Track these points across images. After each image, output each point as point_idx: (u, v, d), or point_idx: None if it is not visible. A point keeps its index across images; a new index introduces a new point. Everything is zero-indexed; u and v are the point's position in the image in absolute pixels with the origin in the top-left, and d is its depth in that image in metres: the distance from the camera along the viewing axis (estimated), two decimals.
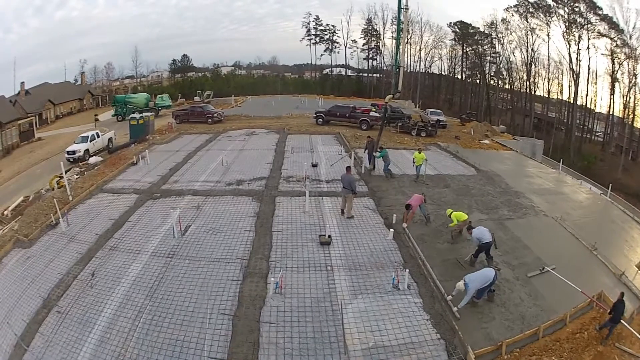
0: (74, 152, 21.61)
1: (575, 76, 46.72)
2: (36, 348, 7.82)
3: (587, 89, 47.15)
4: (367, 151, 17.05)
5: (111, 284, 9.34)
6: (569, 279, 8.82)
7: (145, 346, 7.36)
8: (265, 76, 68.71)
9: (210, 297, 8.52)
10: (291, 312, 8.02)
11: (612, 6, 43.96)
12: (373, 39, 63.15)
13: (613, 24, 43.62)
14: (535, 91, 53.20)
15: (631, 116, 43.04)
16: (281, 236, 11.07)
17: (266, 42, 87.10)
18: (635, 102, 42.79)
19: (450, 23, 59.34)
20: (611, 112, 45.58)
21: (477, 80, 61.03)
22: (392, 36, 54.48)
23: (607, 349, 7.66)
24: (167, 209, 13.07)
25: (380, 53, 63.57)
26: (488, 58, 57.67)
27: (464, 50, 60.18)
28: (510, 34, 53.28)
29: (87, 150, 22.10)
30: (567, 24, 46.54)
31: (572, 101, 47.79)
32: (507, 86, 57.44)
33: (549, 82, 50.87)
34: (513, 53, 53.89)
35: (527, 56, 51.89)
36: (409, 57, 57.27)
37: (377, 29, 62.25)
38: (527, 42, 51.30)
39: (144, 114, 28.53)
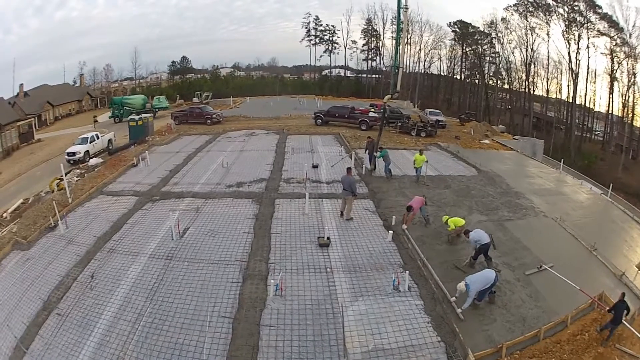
0: (74, 154, 21.52)
1: (574, 75, 46.78)
2: (35, 351, 7.80)
3: (586, 88, 47.31)
4: (367, 152, 17.03)
5: (111, 286, 9.32)
6: (568, 280, 8.80)
7: (144, 349, 7.34)
8: (264, 77, 68.64)
9: (210, 300, 8.49)
10: (292, 315, 7.99)
11: (612, 5, 44.22)
12: (373, 39, 63.17)
13: (613, 23, 43.75)
14: (534, 91, 53.33)
15: (630, 115, 43.13)
16: (280, 238, 11.03)
17: (266, 43, 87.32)
18: (635, 101, 42.86)
19: (450, 22, 59.57)
20: (610, 112, 45.67)
21: (476, 81, 61.01)
22: (392, 36, 54.53)
23: (608, 350, 7.65)
24: (166, 211, 13.00)
25: (380, 54, 63.69)
26: (487, 58, 57.73)
27: (464, 50, 60.20)
28: (510, 33, 53.48)
29: (87, 151, 22.03)
30: (566, 23, 46.60)
31: (571, 100, 47.87)
32: (506, 86, 57.52)
33: (548, 81, 51.05)
34: (513, 53, 54.09)
35: (527, 56, 52.02)
36: (408, 58, 57.41)
37: (377, 29, 62.42)
38: (527, 42, 51.45)
39: (143, 115, 28.48)
